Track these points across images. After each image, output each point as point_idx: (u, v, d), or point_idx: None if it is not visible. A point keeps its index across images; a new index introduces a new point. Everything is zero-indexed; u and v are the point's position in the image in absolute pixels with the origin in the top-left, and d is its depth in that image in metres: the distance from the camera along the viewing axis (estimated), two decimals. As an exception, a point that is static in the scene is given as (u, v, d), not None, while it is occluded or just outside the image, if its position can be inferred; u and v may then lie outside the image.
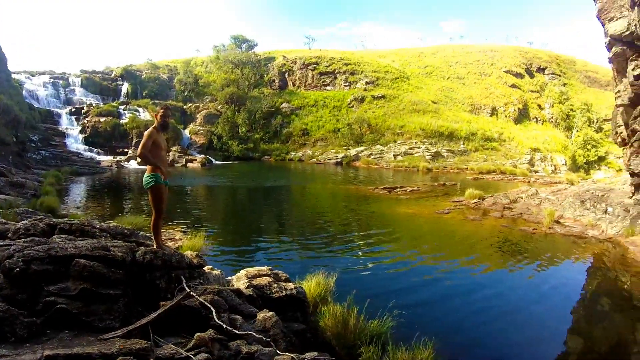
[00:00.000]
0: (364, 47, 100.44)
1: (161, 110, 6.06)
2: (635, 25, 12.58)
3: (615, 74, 15.32)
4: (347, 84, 64.71)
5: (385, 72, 67.19)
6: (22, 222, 5.26)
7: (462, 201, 19.60)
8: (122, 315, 3.81)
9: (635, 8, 12.19)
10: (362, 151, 49.02)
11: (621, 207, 14.07)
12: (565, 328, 6.91)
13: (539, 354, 6.14)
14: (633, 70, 13.30)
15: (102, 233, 5.62)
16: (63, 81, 52.72)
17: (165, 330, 3.89)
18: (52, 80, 51.71)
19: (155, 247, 5.50)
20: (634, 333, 6.76)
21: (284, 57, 71.44)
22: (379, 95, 60.36)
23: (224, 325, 4.07)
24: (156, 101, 54.42)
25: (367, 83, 63.68)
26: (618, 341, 6.45)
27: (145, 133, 5.71)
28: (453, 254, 11.31)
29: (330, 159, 47.74)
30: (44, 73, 54.02)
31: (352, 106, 59.35)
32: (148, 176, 5.62)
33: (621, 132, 15.67)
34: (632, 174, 13.98)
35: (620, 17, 13.61)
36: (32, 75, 51.45)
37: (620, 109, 15.03)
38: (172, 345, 3.48)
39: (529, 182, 32.38)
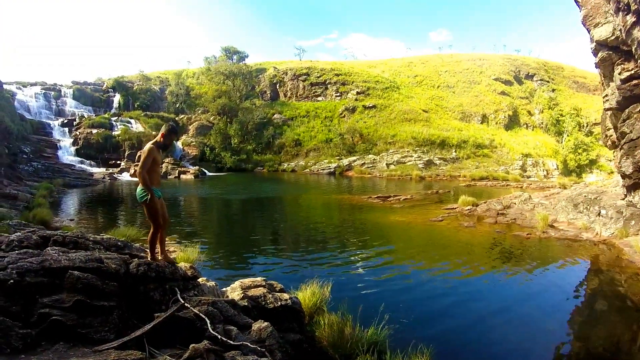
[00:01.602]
0: (354, 58, 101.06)
1: (166, 131, 5.87)
2: (620, 30, 12.73)
3: (603, 78, 15.48)
4: (338, 94, 65.00)
5: (375, 82, 67.59)
6: (15, 234, 5.20)
7: (455, 208, 19.64)
8: (116, 327, 3.78)
9: (620, 13, 12.34)
10: (354, 161, 49.19)
11: (614, 209, 14.14)
12: (563, 331, 6.92)
13: (537, 358, 6.14)
14: (620, 74, 13.45)
15: (95, 245, 5.58)
16: (55, 92, 52.64)
17: (160, 341, 3.86)
18: (43, 91, 51.62)
19: (149, 258, 5.46)
20: (631, 333, 6.78)
21: (275, 68, 71.72)
22: (370, 105, 60.67)
23: (219, 336, 4.04)
24: (148, 112, 54.39)
25: (358, 93, 63.98)
26: (615, 342, 6.46)
27: (146, 150, 5.50)
28: (448, 260, 11.30)
29: (323, 169, 47.86)
30: (35, 84, 53.83)
31: (344, 116, 59.61)
32: (142, 190, 5.53)
33: (611, 135, 15.81)
34: (624, 176, 14.08)
35: (605, 23, 13.76)
36: (24, 86, 51.31)
37: (609, 112, 15.18)
38: (167, 357, 3.45)
39: (521, 187, 32.50)
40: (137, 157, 42.21)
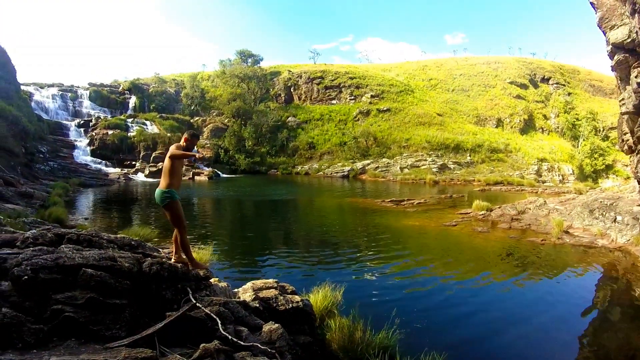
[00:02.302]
0: (368, 61, 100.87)
1: (189, 136, 6.02)
2: (636, 32, 12.53)
3: (619, 82, 15.23)
4: (353, 97, 64.93)
5: (390, 85, 67.46)
6: (31, 231, 5.27)
7: (469, 213, 19.49)
8: (128, 325, 3.80)
9: (636, 15, 12.15)
10: (368, 164, 49.04)
11: (630, 216, 13.91)
12: (577, 339, 6.82)
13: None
14: (636, 77, 13.22)
15: (109, 244, 5.62)
16: (71, 94, 53.31)
17: (171, 340, 3.88)
18: (60, 92, 52.32)
19: (190, 265, 5.49)
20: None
21: (290, 71, 71.82)
22: (384, 109, 60.55)
23: (229, 337, 4.05)
24: (163, 114, 54.88)
25: (372, 96, 63.88)
26: (631, 351, 6.36)
27: (173, 146, 5.76)
28: (461, 266, 11.21)
29: (337, 173, 47.77)
30: (52, 85, 54.62)
31: (358, 120, 59.53)
32: (163, 192, 5.51)
33: (627, 140, 15.54)
34: (640, 182, 13.87)
35: (621, 25, 13.55)
36: (41, 87, 52.02)
37: (626, 116, 14.92)
38: (178, 355, 3.47)
39: (536, 192, 32.18)
40: (151, 159, 42.68)
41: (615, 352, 6.38)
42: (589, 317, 7.84)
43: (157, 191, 5.59)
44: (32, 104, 44.12)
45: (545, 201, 19.65)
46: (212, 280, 6.46)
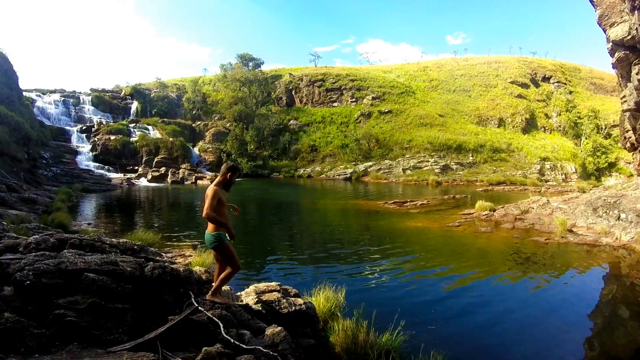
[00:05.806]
0: (369, 63, 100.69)
1: (230, 172, 5.72)
2: (636, 29, 12.53)
3: (620, 79, 15.23)
4: (354, 99, 64.91)
5: (391, 87, 67.41)
6: (33, 236, 5.30)
7: (472, 213, 19.43)
8: (130, 329, 3.81)
9: (636, 12, 12.15)
10: (370, 166, 49.08)
11: (634, 213, 13.84)
12: (582, 338, 6.79)
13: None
14: (637, 74, 13.22)
15: (111, 249, 5.64)
16: (74, 99, 53.48)
17: (173, 344, 3.87)
18: (62, 98, 52.51)
19: (210, 294, 5.32)
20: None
21: (291, 74, 71.79)
22: (386, 110, 60.56)
23: (232, 340, 4.04)
24: (165, 119, 54.98)
25: (373, 98, 63.85)
26: (636, 349, 6.32)
27: (210, 193, 5.39)
28: (465, 266, 11.17)
29: (339, 175, 47.82)
30: (54, 91, 54.83)
31: (360, 122, 59.54)
32: (212, 235, 5.37)
33: (630, 137, 15.52)
34: (643, 179, 13.82)
35: (621, 22, 13.54)
36: (43, 93, 52.26)
37: (627, 113, 14.91)
38: (180, 359, 3.46)
39: (539, 191, 32.13)
40: (153, 164, 42.82)
41: (620, 350, 6.35)
42: (593, 315, 7.80)
43: (206, 234, 5.45)
44: (35, 110, 44.37)
45: (548, 200, 19.57)
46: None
